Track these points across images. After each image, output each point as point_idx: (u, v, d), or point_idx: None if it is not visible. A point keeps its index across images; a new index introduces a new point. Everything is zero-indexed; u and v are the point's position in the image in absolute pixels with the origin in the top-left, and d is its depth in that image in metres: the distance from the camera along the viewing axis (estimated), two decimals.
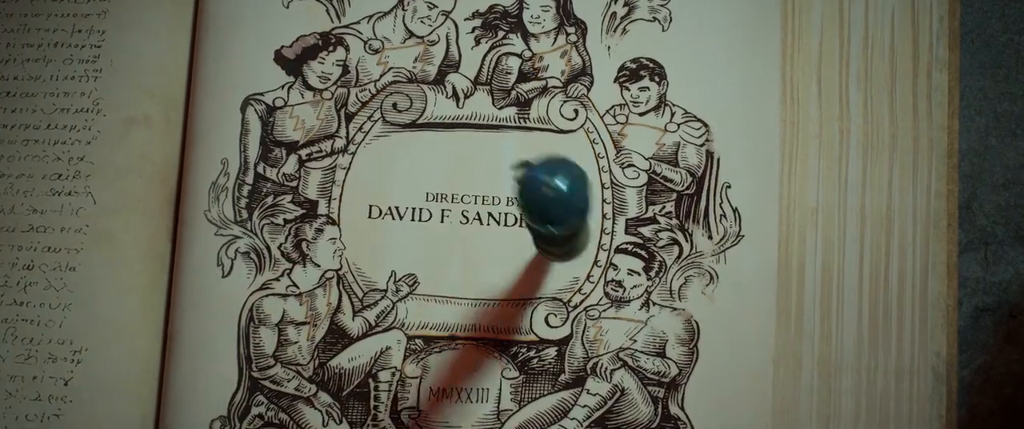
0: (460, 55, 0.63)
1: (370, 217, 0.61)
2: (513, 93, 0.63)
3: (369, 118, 0.62)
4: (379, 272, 0.61)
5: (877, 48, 0.63)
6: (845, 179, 0.62)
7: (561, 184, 0.41)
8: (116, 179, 0.61)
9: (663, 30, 0.63)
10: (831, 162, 0.62)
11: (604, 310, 0.61)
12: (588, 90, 0.63)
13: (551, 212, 0.41)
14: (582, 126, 0.62)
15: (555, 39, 0.63)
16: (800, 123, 0.62)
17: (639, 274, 0.61)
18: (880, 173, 0.62)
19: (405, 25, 0.63)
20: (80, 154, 0.61)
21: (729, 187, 0.62)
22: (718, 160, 0.62)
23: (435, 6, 0.63)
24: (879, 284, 0.61)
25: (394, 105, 0.62)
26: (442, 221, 0.61)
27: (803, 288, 0.61)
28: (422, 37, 0.63)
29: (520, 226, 0.61)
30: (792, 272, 0.61)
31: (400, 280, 0.61)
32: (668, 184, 0.62)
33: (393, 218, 0.61)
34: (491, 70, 0.63)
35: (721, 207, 0.61)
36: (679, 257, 0.61)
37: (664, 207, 0.62)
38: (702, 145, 0.62)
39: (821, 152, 0.62)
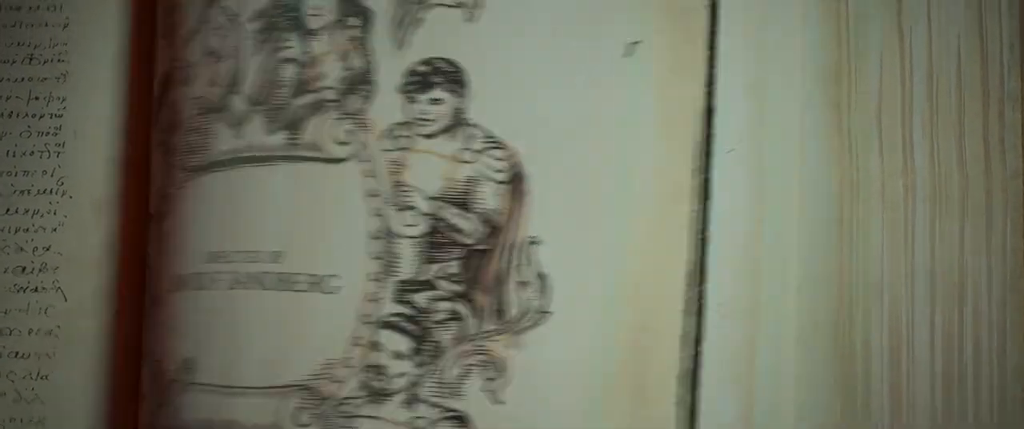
0: (247, 70, 0.52)
1: None
2: (287, 112, 0.50)
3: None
4: None
5: (942, 86, 0.57)
6: (911, 242, 0.55)
7: None
8: (89, 272, 0.55)
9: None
10: (896, 224, 0.55)
11: (360, 407, 0.49)
12: (367, 103, 0.50)
13: None
14: (355, 155, 0.50)
15: (334, 35, 0.50)
16: (860, 182, 0.55)
17: (405, 358, 0.50)
18: (950, 232, 0.55)
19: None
20: (46, 243, 0.55)
21: (533, 243, 0.49)
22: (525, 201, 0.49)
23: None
24: (953, 360, 0.55)
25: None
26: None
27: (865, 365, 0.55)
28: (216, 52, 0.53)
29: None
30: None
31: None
32: (456, 235, 0.50)
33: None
34: (267, 85, 0.51)
35: (519, 271, 0.49)
36: (459, 338, 0.50)
37: (446, 267, 0.50)
38: (502, 182, 0.49)
39: (884, 213, 0.55)
